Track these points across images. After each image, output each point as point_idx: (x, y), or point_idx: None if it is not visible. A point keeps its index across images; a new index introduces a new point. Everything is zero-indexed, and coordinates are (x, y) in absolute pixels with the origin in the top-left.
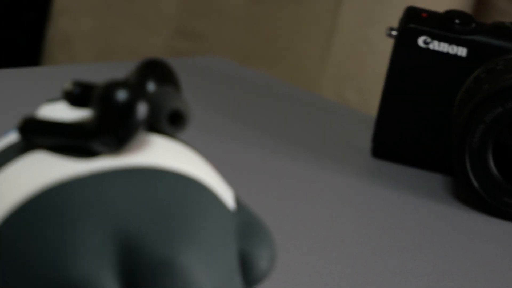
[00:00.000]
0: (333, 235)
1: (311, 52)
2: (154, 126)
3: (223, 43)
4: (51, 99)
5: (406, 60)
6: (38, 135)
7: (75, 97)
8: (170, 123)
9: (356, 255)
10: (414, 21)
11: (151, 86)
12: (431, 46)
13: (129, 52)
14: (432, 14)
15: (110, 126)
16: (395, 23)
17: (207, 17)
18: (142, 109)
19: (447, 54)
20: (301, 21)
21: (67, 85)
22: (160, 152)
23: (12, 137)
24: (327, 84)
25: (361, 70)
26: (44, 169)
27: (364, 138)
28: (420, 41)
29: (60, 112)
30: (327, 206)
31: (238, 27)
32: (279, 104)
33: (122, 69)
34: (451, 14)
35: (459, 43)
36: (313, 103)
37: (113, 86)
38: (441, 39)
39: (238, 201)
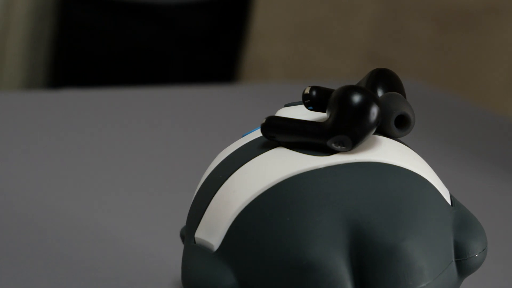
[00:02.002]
0: None
1: (497, 77)
2: (381, 127)
3: (412, 68)
4: (289, 103)
5: None
6: (278, 133)
7: (312, 100)
8: (397, 126)
9: None
10: None
11: (380, 91)
12: None
13: (320, 76)
14: None
15: (346, 126)
16: None
17: (397, 43)
18: (375, 112)
19: None
20: (488, 48)
21: (306, 89)
22: (388, 151)
23: (255, 134)
24: None
25: None
26: (284, 163)
27: None
28: None
29: (298, 113)
30: None
31: (426, 53)
32: (470, 125)
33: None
34: None
35: None
36: (501, 125)
37: (350, 90)
38: None
39: (453, 198)
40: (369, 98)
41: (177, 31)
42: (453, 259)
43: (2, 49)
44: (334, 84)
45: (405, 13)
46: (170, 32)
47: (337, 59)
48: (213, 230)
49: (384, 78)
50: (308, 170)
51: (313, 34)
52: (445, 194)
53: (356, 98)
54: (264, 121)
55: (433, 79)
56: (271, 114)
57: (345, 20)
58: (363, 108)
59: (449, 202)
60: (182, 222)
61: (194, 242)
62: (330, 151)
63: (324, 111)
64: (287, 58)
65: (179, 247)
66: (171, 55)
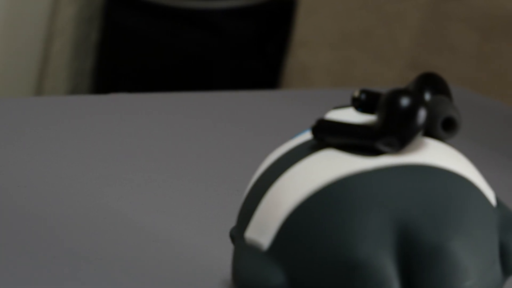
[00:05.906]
0: None
1: None
2: (428, 130)
3: (455, 76)
4: (338, 106)
5: None
6: (329, 135)
7: (361, 103)
8: (444, 128)
9: None
10: None
11: (428, 95)
12: None
13: (363, 83)
14: None
15: (394, 128)
16: None
17: (440, 52)
18: (422, 115)
19: None
20: None
21: (355, 93)
22: (434, 153)
23: (305, 136)
24: None
25: None
26: (334, 164)
27: None
28: None
29: (347, 116)
30: None
31: (469, 61)
32: None
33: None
34: None
35: None
36: None
37: (398, 93)
38: None
39: (498, 199)
40: (417, 101)
41: (222, 36)
42: (498, 259)
43: (48, 55)
44: (378, 91)
45: (449, 21)
46: (215, 37)
47: (380, 66)
48: (263, 230)
49: (431, 82)
50: (357, 172)
51: (356, 41)
52: (490, 196)
53: (405, 101)
54: (314, 123)
55: (475, 87)
56: (316, 119)
57: (389, 28)
58: (411, 111)
59: (494, 203)
60: (232, 222)
61: (244, 241)
62: (378, 153)
63: (373, 114)
64: (330, 65)
65: (229, 247)
66: (215, 60)
